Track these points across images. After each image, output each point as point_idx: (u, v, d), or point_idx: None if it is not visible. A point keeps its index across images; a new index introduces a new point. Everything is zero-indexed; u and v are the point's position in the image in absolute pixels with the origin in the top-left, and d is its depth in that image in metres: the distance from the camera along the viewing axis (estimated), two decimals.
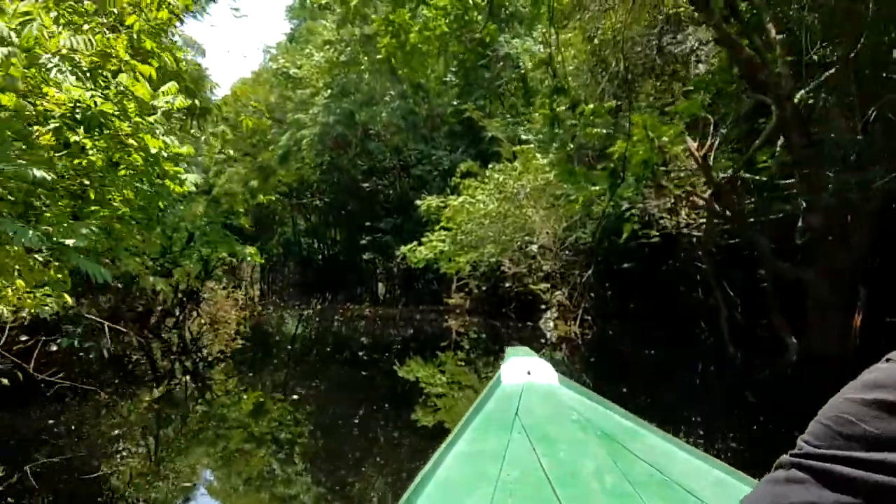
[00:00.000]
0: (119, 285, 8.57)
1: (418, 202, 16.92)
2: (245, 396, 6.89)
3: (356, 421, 5.43)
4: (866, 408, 0.50)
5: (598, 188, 10.81)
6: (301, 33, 26.84)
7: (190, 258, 10.38)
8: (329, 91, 20.11)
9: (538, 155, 13.39)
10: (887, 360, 0.54)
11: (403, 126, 20.61)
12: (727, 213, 9.42)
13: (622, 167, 9.77)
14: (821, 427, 0.53)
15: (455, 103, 19.91)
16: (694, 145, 9.08)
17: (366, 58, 17.50)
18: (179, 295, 10.71)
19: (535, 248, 14.32)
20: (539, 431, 2.00)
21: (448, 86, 20.55)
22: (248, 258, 10.99)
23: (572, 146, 11.11)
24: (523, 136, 15.02)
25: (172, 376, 7.80)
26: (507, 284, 15.41)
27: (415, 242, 16.35)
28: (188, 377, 7.87)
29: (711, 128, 9.10)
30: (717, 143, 9.14)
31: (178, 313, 10.76)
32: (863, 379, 0.54)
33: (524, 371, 2.49)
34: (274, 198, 24.59)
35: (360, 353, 10.00)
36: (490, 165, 15.58)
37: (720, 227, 10.15)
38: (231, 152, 27.39)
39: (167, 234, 9.59)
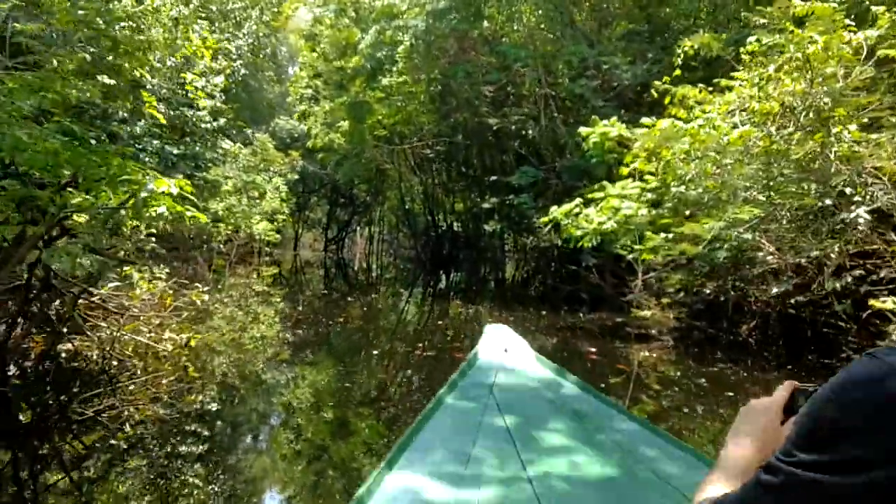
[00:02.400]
0: None
1: (582, 130, 9.27)
2: None
3: None
4: (845, 406, 0.52)
5: None
6: None
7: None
8: None
9: None
10: (868, 354, 0.55)
11: (555, 20, 12.85)
12: None
13: None
14: (806, 428, 0.55)
15: None
16: None
17: None
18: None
19: (863, 213, 6.18)
20: (513, 406, 2.01)
21: None
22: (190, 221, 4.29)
23: None
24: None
25: None
26: (774, 291, 7.42)
27: (573, 202, 8.87)
28: None
29: None
30: None
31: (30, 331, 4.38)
32: (843, 377, 0.55)
33: (501, 348, 2.58)
34: (373, 144, 18.22)
35: None
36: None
37: None
38: (318, 83, 21.47)
39: None
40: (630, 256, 8.88)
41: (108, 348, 4.52)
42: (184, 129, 10.85)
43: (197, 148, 10.76)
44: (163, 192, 3.72)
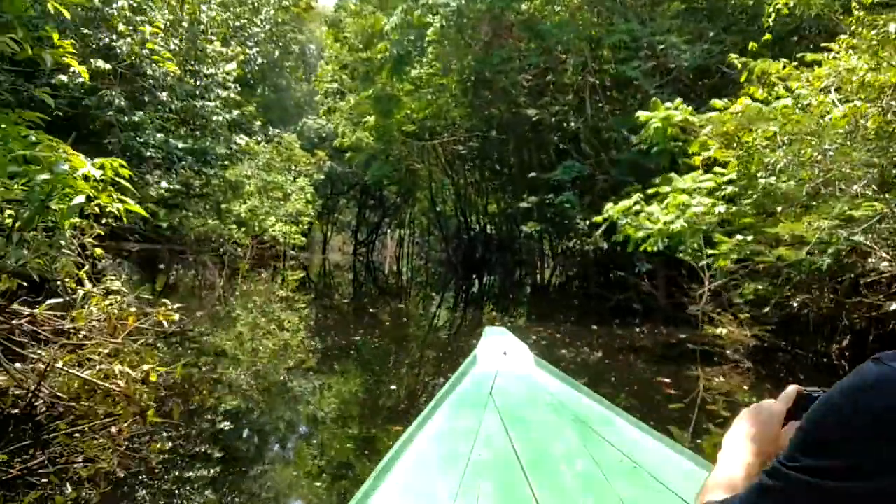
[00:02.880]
0: None
1: (641, 114, 7.89)
2: None
3: None
4: (852, 412, 0.51)
5: None
6: None
7: None
8: None
9: None
10: (874, 359, 0.55)
11: None
12: None
13: None
14: (810, 433, 0.55)
15: None
16: None
17: None
18: None
19: None
20: (512, 412, 1.97)
21: None
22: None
23: None
24: None
25: None
26: (894, 307, 5.91)
27: (632, 198, 7.48)
28: None
29: None
30: None
31: None
32: (851, 381, 0.54)
33: (500, 351, 2.46)
34: (401, 140, 17.10)
35: None
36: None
37: None
38: (344, 77, 20.43)
39: None
40: (702, 263, 7.44)
41: (38, 386, 3.42)
42: (192, 123, 9.87)
43: (207, 142, 9.75)
44: (84, 177, 2.57)
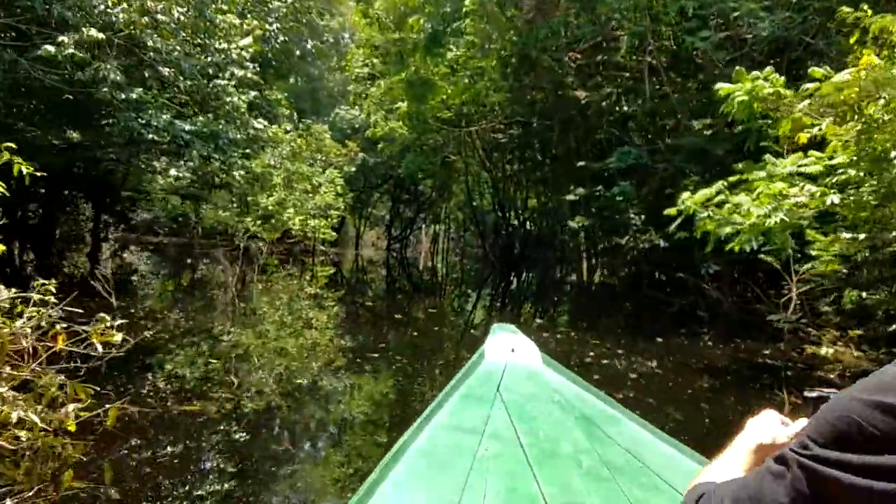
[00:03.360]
0: None
1: (721, 86, 6.44)
2: None
3: None
4: (872, 409, 0.51)
5: None
6: None
7: None
8: None
9: None
10: None
11: None
12: None
13: None
14: (826, 426, 0.54)
15: None
16: None
17: None
18: None
19: None
20: (520, 409, 1.96)
21: None
22: None
23: None
24: None
25: None
26: None
27: (713, 187, 6.09)
28: None
29: None
30: None
31: None
32: (873, 380, 0.54)
33: (508, 348, 2.44)
34: (436, 128, 15.95)
35: None
36: None
37: None
38: (376, 62, 19.32)
39: None
40: (807, 267, 6.03)
41: None
42: (206, 105, 8.91)
43: (220, 125, 8.78)
44: None
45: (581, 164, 11.54)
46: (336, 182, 17.85)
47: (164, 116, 7.94)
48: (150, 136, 7.67)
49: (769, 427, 0.77)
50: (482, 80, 14.21)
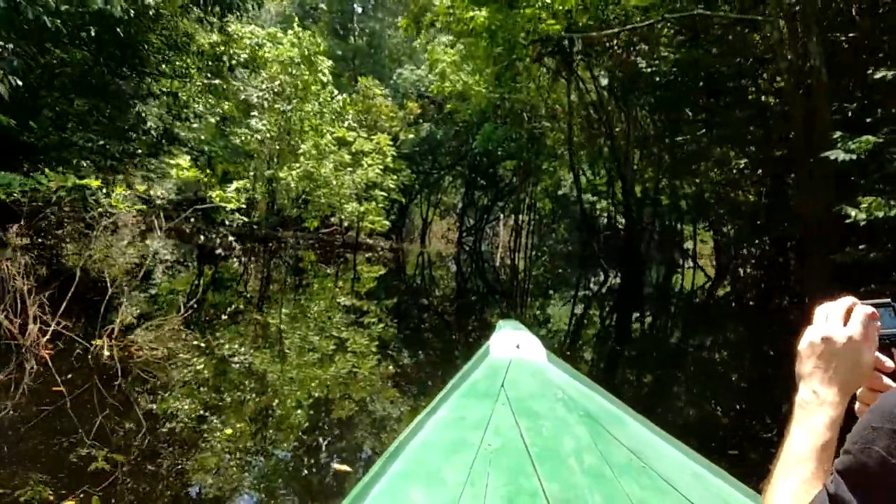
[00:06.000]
0: None
1: None
2: None
3: None
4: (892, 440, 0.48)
5: None
6: None
7: None
8: None
9: None
10: None
11: None
12: None
13: None
14: (851, 460, 0.52)
15: None
16: None
17: None
18: None
19: None
20: (523, 405, 1.97)
21: None
22: None
23: None
24: None
25: None
26: None
27: None
28: None
29: None
30: None
31: None
32: (886, 405, 0.51)
33: (513, 344, 2.43)
34: (530, 53, 10.93)
35: None
36: None
37: None
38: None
39: None
40: None
41: None
42: None
43: None
44: None
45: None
46: (386, 151, 13.14)
47: None
48: None
49: (828, 324, 0.66)
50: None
